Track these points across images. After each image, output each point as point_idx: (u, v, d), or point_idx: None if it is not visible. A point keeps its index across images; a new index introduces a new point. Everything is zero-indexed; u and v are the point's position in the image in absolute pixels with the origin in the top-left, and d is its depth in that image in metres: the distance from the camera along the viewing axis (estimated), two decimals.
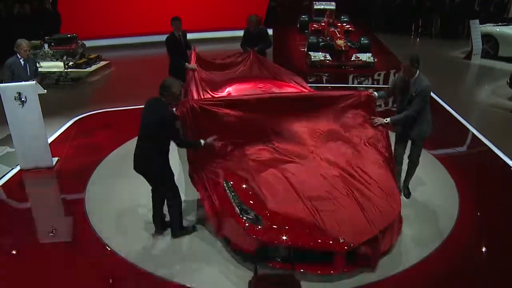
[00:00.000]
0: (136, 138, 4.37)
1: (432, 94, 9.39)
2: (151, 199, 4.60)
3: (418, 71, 4.83)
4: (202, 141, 4.48)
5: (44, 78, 9.73)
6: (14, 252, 4.61)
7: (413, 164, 5.19)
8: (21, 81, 6.00)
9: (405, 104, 4.88)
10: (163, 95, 4.18)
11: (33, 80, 6.16)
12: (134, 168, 4.39)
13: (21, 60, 6.39)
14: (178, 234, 4.57)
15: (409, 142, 5.16)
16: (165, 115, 4.14)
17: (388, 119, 4.98)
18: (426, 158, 6.36)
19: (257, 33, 7.91)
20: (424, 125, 4.93)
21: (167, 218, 4.65)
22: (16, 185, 5.91)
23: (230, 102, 5.01)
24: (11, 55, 6.38)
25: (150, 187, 4.55)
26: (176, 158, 5.76)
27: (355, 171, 4.56)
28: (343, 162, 4.69)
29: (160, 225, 4.66)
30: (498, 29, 12.97)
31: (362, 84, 10.93)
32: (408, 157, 5.20)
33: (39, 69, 11.27)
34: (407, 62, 4.77)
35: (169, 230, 4.64)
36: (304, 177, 4.46)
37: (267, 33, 8.07)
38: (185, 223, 4.69)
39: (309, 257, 3.97)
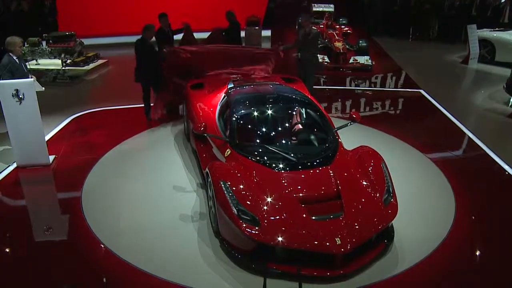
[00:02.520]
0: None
1: (429, 97, 9.55)
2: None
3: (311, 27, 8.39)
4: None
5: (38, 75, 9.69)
6: (8, 250, 4.60)
7: (310, 79, 8.23)
8: None
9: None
10: (146, 33, 7.43)
11: (31, 77, 6.12)
12: (147, 82, 7.63)
13: (16, 59, 6.16)
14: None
15: None
16: (152, 45, 7.66)
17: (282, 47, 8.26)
18: (423, 161, 6.41)
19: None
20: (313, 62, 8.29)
21: None
22: (12, 183, 5.89)
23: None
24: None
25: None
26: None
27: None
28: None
29: (148, 112, 7.80)
30: (495, 34, 13.03)
31: (359, 87, 10.95)
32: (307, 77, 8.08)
33: (37, 66, 11.44)
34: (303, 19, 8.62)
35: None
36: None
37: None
38: None
39: (306, 258, 3.98)
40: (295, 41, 8.76)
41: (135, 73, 7.67)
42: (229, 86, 6.21)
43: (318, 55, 12.27)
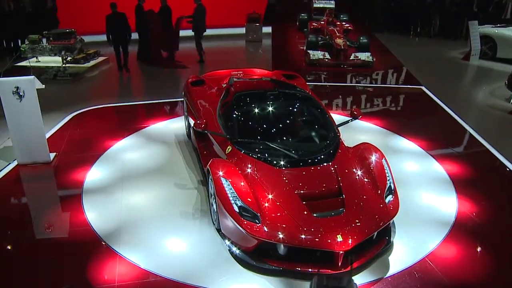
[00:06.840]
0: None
1: (430, 93, 9.54)
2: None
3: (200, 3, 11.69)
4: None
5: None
6: (9, 247, 4.60)
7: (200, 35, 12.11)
8: None
9: None
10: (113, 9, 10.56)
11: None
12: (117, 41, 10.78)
13: None
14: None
15: None
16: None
17: None
18: (424, 158, 6.39)
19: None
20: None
21: None
22: (13, 180, 5.89)
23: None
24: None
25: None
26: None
27: None
28: None
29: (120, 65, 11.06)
30: (496, 31, 13.00)
31: (360, 84, 10.93)
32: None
33: (38, 64, 11.44)
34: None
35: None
36: None
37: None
38: None
39: (307, 255, 3.98)
40: (193, 13, 12.02)
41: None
42: (229, 83, 6.20)
43: (319, 51, 12.39)
